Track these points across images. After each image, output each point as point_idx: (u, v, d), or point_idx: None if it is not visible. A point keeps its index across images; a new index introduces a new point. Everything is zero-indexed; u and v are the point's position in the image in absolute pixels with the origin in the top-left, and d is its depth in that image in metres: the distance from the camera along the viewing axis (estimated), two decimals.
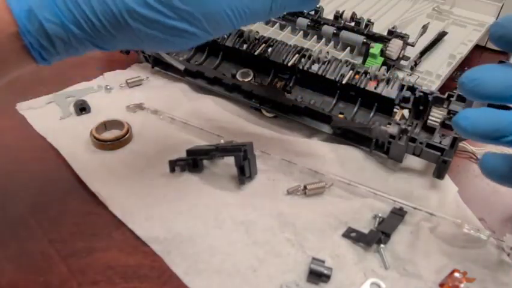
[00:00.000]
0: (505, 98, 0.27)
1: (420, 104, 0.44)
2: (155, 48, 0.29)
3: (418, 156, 0.42)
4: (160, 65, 0.57)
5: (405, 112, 0.46)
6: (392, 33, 0.53)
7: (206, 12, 0.27)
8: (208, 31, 0.28)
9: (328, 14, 0.61)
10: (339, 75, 0.47)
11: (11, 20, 0.24)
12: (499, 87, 0.27)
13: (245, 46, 0.52)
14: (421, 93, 0.44)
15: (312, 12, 0.58)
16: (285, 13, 0.55)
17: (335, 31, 0.56)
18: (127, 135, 0.46)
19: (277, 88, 0.50)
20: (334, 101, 0.48)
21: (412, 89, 0.44)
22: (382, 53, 0.52)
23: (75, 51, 0.27)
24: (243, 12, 0.28)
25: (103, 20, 0.25)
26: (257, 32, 0.53)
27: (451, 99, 0.43)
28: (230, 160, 0.43)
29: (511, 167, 0.29)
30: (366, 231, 0.38)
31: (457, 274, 0.34)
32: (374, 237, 0.37)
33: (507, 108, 0.27)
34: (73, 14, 0.25)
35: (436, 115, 0.44)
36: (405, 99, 0.44)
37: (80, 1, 0.24)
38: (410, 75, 0.54)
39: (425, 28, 0.55)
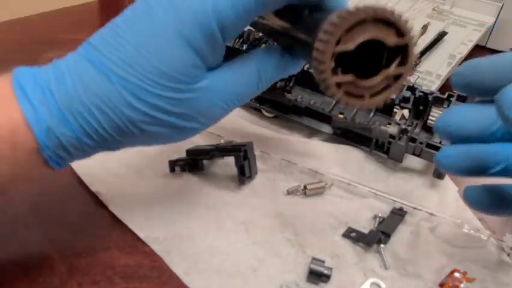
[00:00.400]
0: (485, 139, 0.27)
1: (420, 104, 0.44)
2: (160, 143, 0.31)
3: (418, 156, 0.42)
4: None
5: (405, 112, 0.46)
6: None
7: (201, 111, 0.28)
8: (206, 124, 0.29)
9: None
10: None
11: (32, 138, 0.26)
12: (477, 130, 0.27)
13: (245, 46, 0.52)
14: (421, 93, 0.44)
15: None
16: None
17: None
18: None
19: (277, 88, 0.50)
20: (334, 101, 0.48)
21: (412, 89, 0.44)
22: None
23: (87, 155, 0.30)
24: (235, 100, 0.29)
25: (110, 131, 0.27)
26: (257, 32, 0.53)
27: (451, 99, 0.43)
28: (230, 160, 0.43)
29: (494, 198, 0.29)
30: (366, 231, 0.38)
31: (457, 274, 0.34)
32: (374, 237, 0.37)
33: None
34: (83, 128, 0.27)
35: (436, 115, 0.44)
36: (405, 99, 0.44)
37: (88, 117, 0.26)
38: (410, 75, 0.54)
39: (425, 28, 0.55)
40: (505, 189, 0.28)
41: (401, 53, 0.24)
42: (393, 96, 0.44)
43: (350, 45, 0.22)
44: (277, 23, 0.30)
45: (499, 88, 0.22)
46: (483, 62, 0.26)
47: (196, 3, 0.25)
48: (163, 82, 0.26)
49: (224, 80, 0.28)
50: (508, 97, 0.22)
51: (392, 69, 0.24)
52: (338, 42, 0.22)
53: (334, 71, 0.23)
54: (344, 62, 0.23)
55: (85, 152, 0.29)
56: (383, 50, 0.24)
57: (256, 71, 0.29)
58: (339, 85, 0.23)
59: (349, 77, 0.23)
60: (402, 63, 0.24)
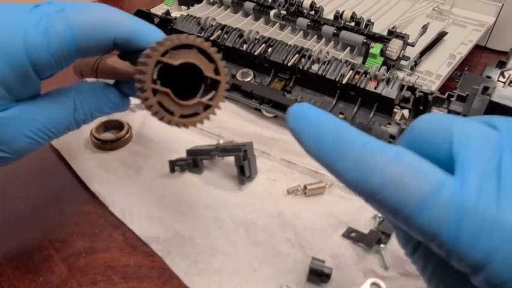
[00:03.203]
0: None
1: (420, 104, 0.44)
2: None
3: None
4: None
5: (405, 112, 0.46)
6: (392, 33, 0.53)
7: (2, 140, 0.27)
8: (11, 153, 0.28)
9: (328, 14, 0.61)
10: (339, 75, 0.47)
11: None
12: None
13: (245, 46, 0.52)
14: (421, 93, 0.44)
15: (312, 12, 0.58)
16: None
17: (335, 31, 0.56)
18: (127, 135, 0.46)
19: (277, 88, 0.50)
20: (334, 101, 0.48)
21: (412, 89, 0.45)
22: (382, 53, 0.52)
23: None
24: (46, 130, 0.28)
25: None
26: (257, 32, 0.53)
27: (451, 99, 0.43)
28: (230, 160, 0.43)
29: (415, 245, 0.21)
30: (366, 231, 0.38)
31: None
32: (374, 237, 0.37)
33: None
34: None
35: None
36: (405, 99, 0.44)
37: None
38: (410, 75, 0.54)
39: (425, 28, 0.55)
40: None
41: (216, 88, 0.27)
42: (394, 96, 0.44)
43: (174, 61, 0.25)
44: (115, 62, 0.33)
45: None
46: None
47: (5, 37, 0.25)
48: None
49: (34, 110, 0.27)
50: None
51: (205, 99, 0.27)
52: (163, 55, 0.25)
53: (154, 81, 0.25)
54: (166, 81, 0.26)
55: None
56: (204, 82, 0.27)
57: (72, 100, 0.29)
58: (154, 93, 0.25)
59: (165, 89, 0.26)
60: (215, 97, 0.27)
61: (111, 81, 0.33)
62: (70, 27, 0.26)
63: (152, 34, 0.28)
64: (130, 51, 0.29)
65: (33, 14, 0.26)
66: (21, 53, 0.25)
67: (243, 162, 0.41)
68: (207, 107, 0.27)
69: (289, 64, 0.49)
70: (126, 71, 0.31)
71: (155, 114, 0.26)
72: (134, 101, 0.53)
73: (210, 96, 0.27)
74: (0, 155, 0.27)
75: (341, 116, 0.47)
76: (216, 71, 0.27)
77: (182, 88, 0.27)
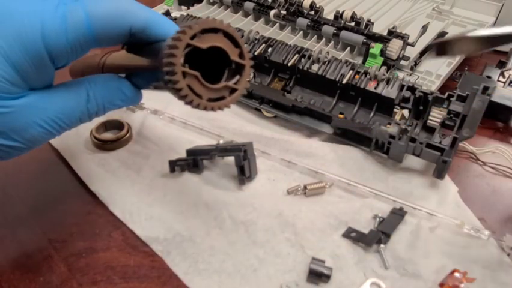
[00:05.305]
0: None
1: (420, 104, 0.44)
2: None
3: (418, 156, 0.42)
4: None
5: (405, 112, 0.46)
6: (392, 33, 0.53)
7: (14, 128, 0.27)
8: (23, 143, 0.28)
9: (328, 14, 0.61)
10: (339, 75, 0.47)
11: None
12: None
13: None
14: (421, 93, 0.44)
15: (312, 12, 0.58)
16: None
17: (335, 31, 0.56)
18: (127, 135, 0.46)
19: (277, 88, 0.50)
20: (334, 101, 0.48)
21: (412, 89, 0.45)
22: (382, 53, 0.52)
23: None
24: (58, 120, 0.28)
25: None
26: (257, 32, 0.53)
27: (451, 99, 0.43)
28: (230, 160, 0.43)
29: None
30: (366, 231, 0.38)
31: (457, 274, 0.34)
32: (374, 237, 0.37)
33: None
34: None
35: (436, 115, 0.44)
36: (405, 99, 0.44)
37: None
38: (410, 75, 0.54)
39: (425, 28, 0.55)
40: None
41: (240, 73, 0.28)
42: (394, 96, 0.44)
43: (202, 45, 0.25)
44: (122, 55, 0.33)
45: None
46: None
47: (23, 23, 0.25)
48: None
49: (48, 99, 0.27)
50: None
51: (231, 83, 0.27)
52: (192, 38, 0.25)
53: (183, 64, 0.25)
54: (195, 64, 0.26)
55: None
56: (229, 66, 0.27)
57: (85, 91, 0.29)
58: (184, 76, 0.25)
59: (195, 72, 0.26)
60: (240, 81, 0.28)
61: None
62: (87, 14, 0.26)
63: (166, 25, 0.29)
64: (141, 43, 0.29)
65: (50, 2, 0.26)
66: (38, 40, 0.25)
67: (243, 162, 0.41)
68: (232, 90, 0.28)
69: (289, 64, 0.49)
70: (138, 64, 0.31)
71: (184, 97, 0.26)
72: None
73: (234, 80, 0.28)
74: (12, 144, 0.27)
75: (340, 116, 0.47)
76: (241, 56, 0.27)
77: (206, 72, 0.26)
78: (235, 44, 0.27)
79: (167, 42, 0.25)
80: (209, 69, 0.27)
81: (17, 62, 0.25)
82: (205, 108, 0.27)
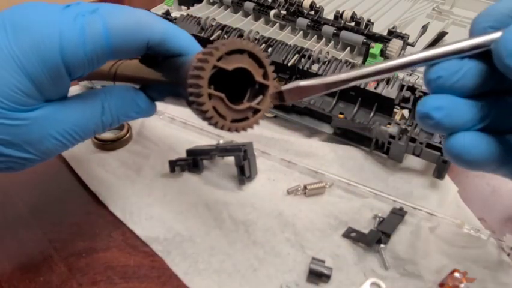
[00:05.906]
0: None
1: None
2: None
3: (418, 156, 0.42)
4: None
5: (405, 112, 0.46)
6: (392, 33, 0.53)
7: (29, 140, 0.26)
8: (37, 155, 0.27)
9: (328, 14, 0.61)
10: None
11: None
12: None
13: None
14: (421, 93, 0.44)
15: (312, 12, 0.58)
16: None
17: (335, 31, 0.56)
18: (127, 135, 0.46)
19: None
20: (334, 101, 0.48)
21: (412, 89, 0.45)
22: (382, 53, 0.52)
23: None
24: (73, 132, 0.28)
25: None
26: (257, 32, 0.53)
27: None
28: (230, 160, 0.43)
29: (496, 145, 0.22)
30: (366, 231, 0.38)
31: (457, 274, 0.34)
32: (374, 237, 0.37)
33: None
34: None
35: None
36: (405, 99, 0.44)
37: None
38: (410, 75, 0.54)
39: (425, 28, 0.55)
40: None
41: (263, 93, 0.27)
42: (394, 96, 0.44)
43: (228, 66, 0.25)
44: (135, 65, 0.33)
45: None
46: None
47: (41, 34, 0.24)
48: None
49: (63, 111, 0.27)
50: (506, 44, 0.19)
51: (254, 103, 0.27)
52: (218, 59, 0.25)
53: (208, 86, 0.25)
54: (218, 84, 0.26)
55: None
56: (252, 86, 0.27)
57: (100, 103, 0.28)
58: (210, 97, 0.25)
59: (220, 94, 0.25)
60: (263, 102, 0.27)
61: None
62: (106, 27, 0.25)
63: (184, 39, 0.28)
64: (157, 56, 0.28)
65: (68, 13, 0.25)
66: (56, 51, 0.25)
67: (243, 162, 0.41)
68: (255, 111, 0.27)
69: (289, 64, 0.49)
70: (153, 77, 0.31)
71: (209, 119, 0.25)
72: None
73: (257, 100, 0.27)
74: (26, 156, 0.27)
75: (340, 116, 0.47)
76: (265, 76, 0.27)
77: (229, 91, 0.26)
78: (260, 64, 0.26)
79: (193, 62, 0.25)
80: (231, 88, 0.27)
81: (33, 74, 0.25)
82: (229, 130, 0.27)
